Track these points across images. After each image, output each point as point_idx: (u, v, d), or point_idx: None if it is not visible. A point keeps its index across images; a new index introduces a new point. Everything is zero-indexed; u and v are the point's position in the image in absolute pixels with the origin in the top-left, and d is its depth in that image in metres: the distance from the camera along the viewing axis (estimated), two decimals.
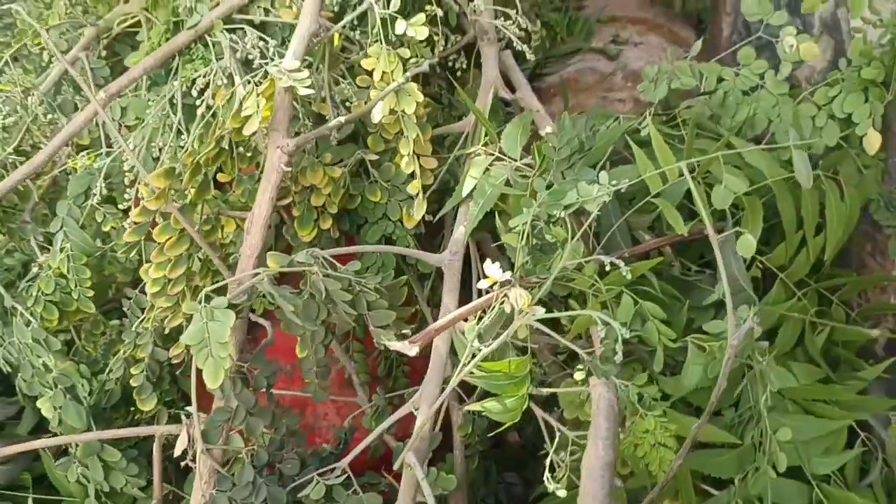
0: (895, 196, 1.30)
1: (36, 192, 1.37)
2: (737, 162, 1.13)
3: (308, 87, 1.06)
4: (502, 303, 0.89)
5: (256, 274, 1.01)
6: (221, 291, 1.00)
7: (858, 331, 1.14)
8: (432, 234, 1.40)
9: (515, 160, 1.13)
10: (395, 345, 0.89)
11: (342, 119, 1.10)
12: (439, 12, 1.32)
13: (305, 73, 1.07)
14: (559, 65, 1.76)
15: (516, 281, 0.92)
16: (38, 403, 1.27)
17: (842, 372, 1.18)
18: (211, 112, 1.17)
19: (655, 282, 0.96)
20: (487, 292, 0.92)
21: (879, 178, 1.31)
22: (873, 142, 1.27)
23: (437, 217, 1.26)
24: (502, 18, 1.33)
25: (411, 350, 0.89)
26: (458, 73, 1.45)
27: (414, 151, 1.24)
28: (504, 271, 0.89)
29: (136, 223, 1.05)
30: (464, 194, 1.17)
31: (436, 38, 1.36)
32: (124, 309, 1.32)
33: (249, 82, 1.10)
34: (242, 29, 1.25)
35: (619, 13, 1.88)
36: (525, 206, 0.95)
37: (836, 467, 1.03)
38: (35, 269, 1.32)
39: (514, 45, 1.38)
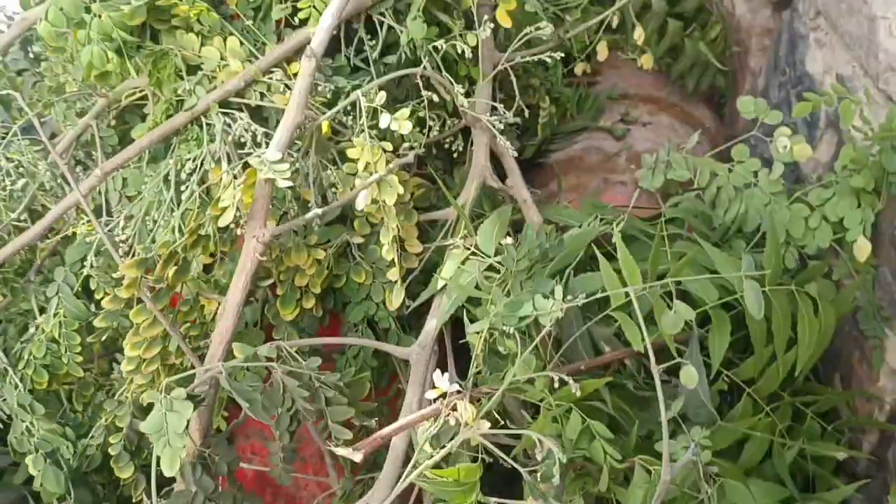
0: (884, 306, 1.28)
1: (39, 254, 1.42)
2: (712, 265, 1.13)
3: (288, 178, 1.09)
4: (448, 415, 0.90)
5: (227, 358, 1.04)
6: (189, 379, 1.03)
7: (828, 447, 1.11)
8: (420, 314, 1.41)
9: (489, 257, 1.14)
10: (340, 450, 0.90)
11: (318, 211, 1.12)
12: (435, 97, 1.35)
13: (286, 164, 1.10)
14: (566, 142, 1.76)
15: (466, 392, 0.93)
16: (27, 461, 1.31)
17: (820, 489, 1.16)
18: (191, 199, 1.20)
19: (608, 397, 0.96)
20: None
21: (870, 285, 1.29)
22: (863, 249, 1.26)
23: (416, 304, 1.27)
24: (491, 112, 1.34)
25: (356, 456, 0.90)
26: (456, 154, 1.47)
27: (398, 237, 1.26)
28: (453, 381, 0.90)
29: (107, 310, 1.08)
30: (438, 286, 1.19)
31: (431, 121, 1.38)
32: (113, 375, 1.36)
33: (231, 172, 1.13)
34: (239, 110, 1.29)
35: (632, 90, 1.88)
36: (482, 315, 0.96)
37: None
38: (32, 330, 1.37)
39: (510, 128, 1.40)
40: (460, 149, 1.47)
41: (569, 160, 1.74)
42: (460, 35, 1.35)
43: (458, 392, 0.91)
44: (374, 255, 1.31)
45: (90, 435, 1.30)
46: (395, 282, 1.25)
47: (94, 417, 1.38)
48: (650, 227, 1.26)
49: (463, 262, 1.16)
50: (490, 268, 1.13)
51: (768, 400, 1.11)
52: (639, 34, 1.60)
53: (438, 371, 0.91)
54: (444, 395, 0.92)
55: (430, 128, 1.39)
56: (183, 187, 1.23)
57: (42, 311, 1.38)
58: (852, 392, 1.26)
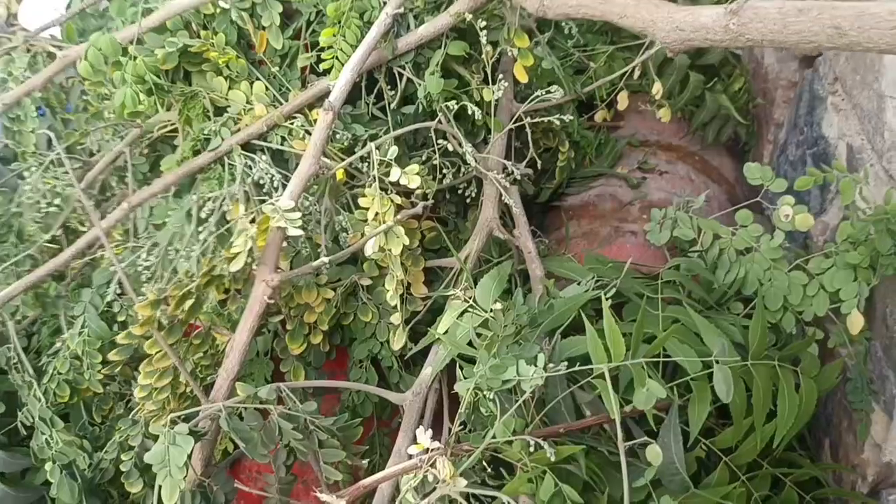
0: (873, 379, 1.31)
1: (69, 272, 1.50)
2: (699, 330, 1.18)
3: (299, 227, 1.16)
4: (427, 471, 0.96)
5: (230, 395, 1.10)
6: (194, 412, 1.10)
7: None
8: (424, 353, 1.46)
9: (486, 312, 1.19)
10: (325, 497, 0.96)
11: (326, 260, 1.19)
12: (449, 147, 1.40)
13: (298, 213, 1.16)
14: (582, 186, 1.80)
15: (447, 448, 0.98)
16: (45, 467, 1.39)
17: None
18: (206, 243, 1.27)
19: (583, 462, 1.00)
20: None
21: (863, 358, 1.32)
22: (856, 323, 1.29)
23: (416, 349, 1.32)
24: (500, 169, 1.39)
25: (340, 503, 0.96)
26: (469, 199, 1.52)
27: (405, 281, 1.32)
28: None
29: (122, 344, 1.15)
30: (436, 334, 1.24)
31: (445, 168, 1.44)
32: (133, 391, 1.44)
33: (247, 217, 1.19)
34: (262, 151, 1.36)
35: (653, 137, 1.91)
36: (467, 374, 1.01)
37: None
38: (59, 344, 1.45)
39: (522, 179, 1.45)
40: (473, 194, 1.52)
41: (583, 205, 1.78)
42: (477, 89, 1.41)
43: (438, 448, 0.97)
44: (381, 296, 1.37)
45: (104, 449, 1.38)
46: (398, 325, 1.31)
47: (110, 430, 1.46)
48: (647, 288, 1.30)
49: (460, 316, 1.21)
50: (485, 323, 1.18)
51: (747, 468, 1.15)
52: (657, 90, 1.64)
53: (421, 428, 0.96)
54: (426, 451, 0.98)
55: (444, 175, 1.44)
56: (202, 225, 1.30)
57: (70, 326, 1.47)
58: (830, 465, 1.29)
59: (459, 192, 1.52)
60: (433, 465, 0.97)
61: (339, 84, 1.26)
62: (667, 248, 1.59)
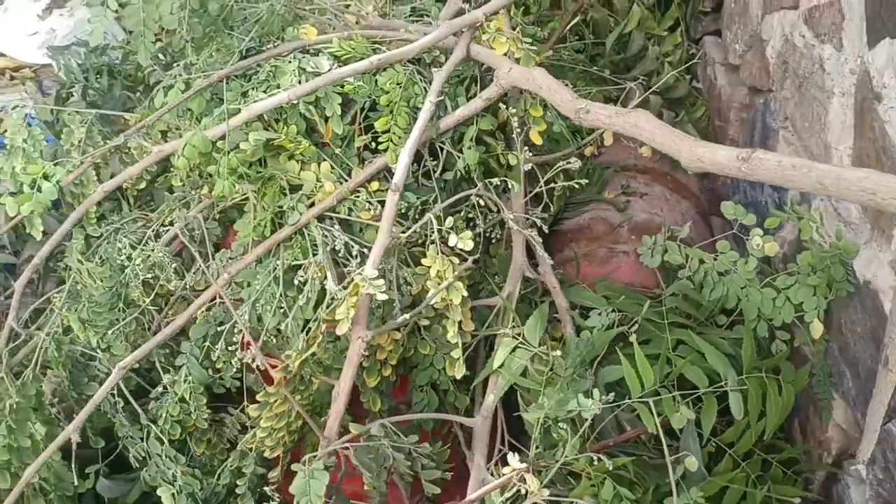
0: (832, 373, 1.66)
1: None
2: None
3: (384, 292, 1.44)
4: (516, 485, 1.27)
5: (342, 433, 1.40)
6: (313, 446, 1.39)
7: (788, 490, 1.50)
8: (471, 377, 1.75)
9: (535, 347, 1.50)
10: None
11: (407, 317, 1.48)
12: (481, 202, 1.69)
13: (382, 280, 1.45)
14: (575, 211, 2.11)
15: (531, 465, 1.30)
16: (159, 492, 1.67)
17: None
18: (301, 304, 1.54)
19: (631, 468, 1.33)
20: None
21: (823, 355, 1.67)
22: (818, 329, 1.64)
23: (477, 381, 1.62)
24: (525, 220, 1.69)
25: None
26: (493, 241, 1.82)
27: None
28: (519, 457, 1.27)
29: (258, 401, 1.43)
30: (494, 367, 1.54)
31: (478, 220, 1.73)
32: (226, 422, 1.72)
33: (343, 288, 1.47)
34: (331, 220, 1.63)
35: (631, 162, 2.23)
36: (537, 408, 1.33)
37: None
38: (160, 389, 1.72)
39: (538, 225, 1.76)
40: (498, 236, 1.81)
41: (579, 229, 2.09)
42: (502, 154, 1.70)
43: (525, 467, 1.28)
44: (437, 332, 1.66)
45: (217, 474, 1.66)
46: (458, 359, 1.60)
47: (212, 458, 1.74)
48: (654, 314, 1.62)
49: (512, 351, 1.52)
50: (534, 357, 1.49)
51: (744, 456, 1.49)
52: None
53: (511, 453, 1.28)
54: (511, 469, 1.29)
55: (477, 223, 1.73)
56: (292, 289, 1.58)
57: (165, 370, 1.72)
58: (806, 446, 1.64)
59: (486, 234, 1.81)
60: (521, 480, 1.28)
61: (400, 167, 1.54)
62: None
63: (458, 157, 1.66)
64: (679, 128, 2.14)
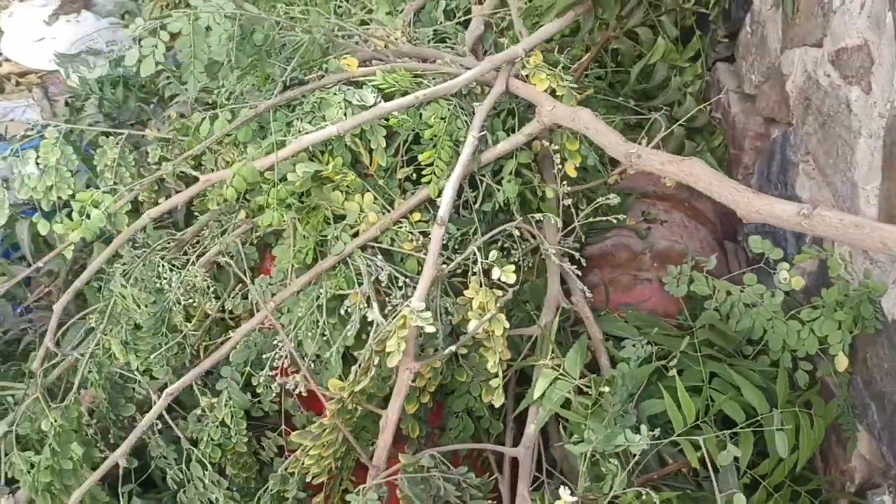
0: (856, 405, 1.72)
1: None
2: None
3: (431, 325, 1.48)
4: None
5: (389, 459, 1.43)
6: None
7: None
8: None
9: (575, 379, 1.54)
10: None
11: (453, 348, 1.52)
12: (516, 232, 1.73)
13: (429, 312, 1.48)
14: (599, 237, 2.16)
15: (580, 499, 1.34)
16: None
17: None
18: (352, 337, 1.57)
19: (675, 502, 1.38)
20: None
21: (846, 387, 1.73)
22: (842, 362, 1.69)
23: (520, 409, 1.66)
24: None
25: None
26: (525, 269, 1.86)
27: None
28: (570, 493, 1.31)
29: (297, 427, 1.47)
30: (535, 397, 1.59)
31: (514, 250, 1.77)
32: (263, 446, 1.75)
33: (389, 322, 1.50)
34: (373, 248, 1.67)
35: (650, 188, 2.28)
36: (586, 442, 1.37)
37: None
38: (198, 411, 1.74)
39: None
40: (529, 264, 1.86)
41: (602, 255, 2.14)
42: (539, 186, 1.74)
43: (576, 500, 1.32)
44: (474, 360, 1.70)
45: (256, 498, 1.69)
46: (497, 387, 1.64)
47: (247, 479, 1.77)
48: (682, 341, 1.66)
49: (553, 382, 1.56)
50: (575, 389, 1.54)
51: (775, 487, 1.55)
52: None
53: (563, 488, 1.32)
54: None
55: (513, 253, 1.78)
56: (333, 317, 1.61)
57: (202, 393, 1.75)
58: (830, 476, 1.70)
59: (517, 262, 1.86)
60: None
61: (445, 200, 1.57)
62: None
63: (498, 190, 1.70)
64: (699, 157, 2.22)
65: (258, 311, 1.76)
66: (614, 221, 2.14)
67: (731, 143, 2.48)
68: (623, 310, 1.90)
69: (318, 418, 1.63)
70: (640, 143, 1.97)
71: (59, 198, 1.79)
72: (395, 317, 1.50)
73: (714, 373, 1.62)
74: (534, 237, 1.75)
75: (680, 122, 2.05)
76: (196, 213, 2.02)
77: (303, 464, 1.54)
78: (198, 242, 1.93)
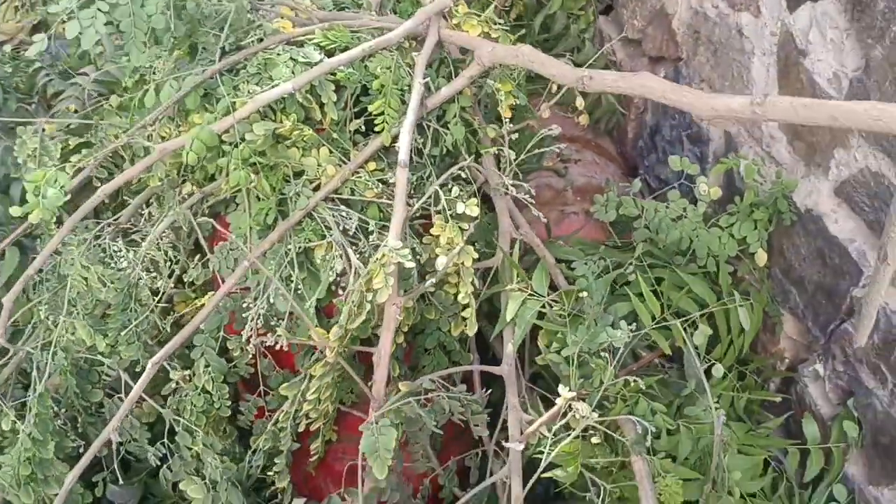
0: (778, 293, 1.94)
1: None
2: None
3: (410, 260, 1.55)
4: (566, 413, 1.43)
5: (391, 393, 1.51)
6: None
7: (765, 394, 1.75)
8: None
9: (544, 296, 1.67)
10: (509, 444, 1.41)
11: (433, 280, 1.60)
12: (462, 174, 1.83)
13: (407, 249, 1.56)
14: (522, 180, 2.29)
15: (578, 394, 1.46)
16: (183, 486, 1.69)
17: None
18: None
19: (656, 387, 1.53)
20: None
21: (766, 279, 1.94)
22: (762, 257, 1.90)
23: (496, 332, 1.76)
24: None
25: (520, 446, 1.41)
26: None
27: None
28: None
29: (300, 371, 1.51)
30: (507, 319, 1.69)
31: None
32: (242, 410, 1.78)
33: (375, 261, 1.56)
34: (333, 201, 1.72)
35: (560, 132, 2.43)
36: (569, 342, 1.49)
37: (759, 488, 1.63)
38: (173, 384, 1.74)
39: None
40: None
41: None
42: (480, 128, 1.85)
43: (575, 396, 1.44)
44: (441, 297, 1.79)
45: (249, 459, 1.71)
46: (470, 316, 1.74)
47: (233, 443, 1.79)
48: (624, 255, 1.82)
49: (523, 303, 1.68)
50: (544, 305, 1.66)
51: (728, 368, 1.73)
52: (580, 103, 2.15)
53: (562, 385, 1.43)
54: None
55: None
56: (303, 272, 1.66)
57: (171, 367, 1.75)
58: (764, 358, 1.91)
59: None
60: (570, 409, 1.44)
61: (403, 144, 1.65)
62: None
63: (445, 134, 1.79)
64: (606, 99, 2.40)
65: (222, 279, 1.78)
66: (533, 164, 2.33)
67: None
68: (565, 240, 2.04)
69: (295, 376, 1.68)
70: (549, 91, 2.13)
71: None
72: (374, 259, 1.56)
73: (660, 277, 1.78)
74: (481, 175, 1.85)
75: (584, 67, 2.20)
76: (126, 198, 1.99)
77: (294, 413, 1.58)
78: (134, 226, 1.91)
